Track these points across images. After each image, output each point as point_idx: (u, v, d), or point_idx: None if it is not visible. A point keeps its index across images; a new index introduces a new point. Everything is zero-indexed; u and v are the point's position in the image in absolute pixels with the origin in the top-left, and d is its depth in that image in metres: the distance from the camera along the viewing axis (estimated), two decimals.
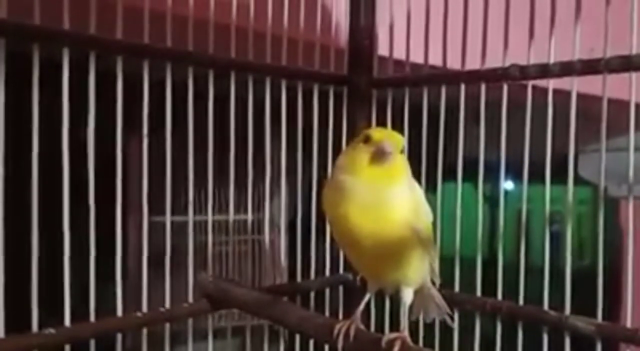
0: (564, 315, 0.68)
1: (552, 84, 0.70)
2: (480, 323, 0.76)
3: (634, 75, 0.63)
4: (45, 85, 0.60)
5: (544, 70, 0.70)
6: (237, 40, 0.76)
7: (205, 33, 0.73)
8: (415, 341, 0.61)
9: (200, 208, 0.89)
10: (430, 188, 0.73)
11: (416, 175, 0.65)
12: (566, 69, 0.68)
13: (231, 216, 0.80)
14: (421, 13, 0.83)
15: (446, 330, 0.76)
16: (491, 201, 0.84)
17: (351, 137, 0.84)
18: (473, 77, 0.76)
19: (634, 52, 0.63)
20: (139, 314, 0.68)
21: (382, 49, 0.87)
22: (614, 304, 0.69)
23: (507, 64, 0.73)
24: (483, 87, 0.75)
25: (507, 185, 0.79)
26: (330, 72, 0.87)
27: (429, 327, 0.77)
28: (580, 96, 0.68)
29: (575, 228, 0.70)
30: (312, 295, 0.85)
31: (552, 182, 0.70)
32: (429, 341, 0.76)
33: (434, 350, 0.63)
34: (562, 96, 0.69)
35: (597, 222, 0.67)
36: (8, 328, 0.58)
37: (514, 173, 0.74)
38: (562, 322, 0.67)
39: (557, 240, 0.72)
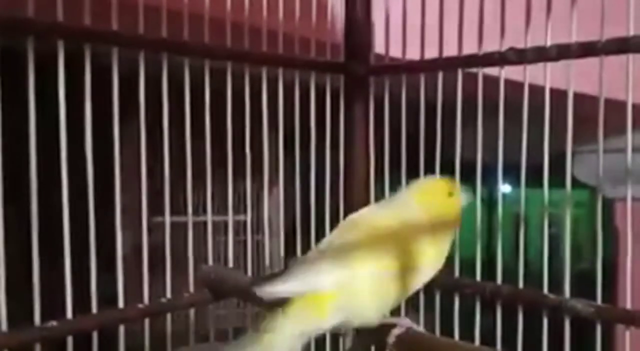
0: (563, 297, 0.68)
1: (549, 83, 0.70)
2: (480, 307, 0.76)
3: (630, 72, 0.63)
4: (41, 80, 0.59)
5: (541, 53, 0.69)
6: (233, 30, 0.75)
7: (201, 25, 0.73)
8: None
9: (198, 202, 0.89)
10: None
11: (414, 173, 0.64)
12: (563, 51, 0.68)
13: (229, 204, 0.80)
14: (417, 1, 0.82)
15: (447, 314, 0.76)
16: (489, 204, 0.84)
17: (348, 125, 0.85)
18: (470, 62, 0.76)
19: (631, 33, 0.63)
20: (140, 305, 0.68)
21: (378, 47, 0.87)
22: (610, 302, 0.69)
23: (504, 48, 0.73)
24: (480, 74, 0.75)
25: (505, 188, 0.79)
26: (326, 60, 0.86)
27: (430, 310, 0.78)
28: (576, 96, 0.68)
29: (573, 232, 0.70)
30: None
31: (549, 185, 0.70)
32: (429, 326, 0.76)
33: (435, 334, 0.63)
34: (557, 95, 0.69)
35: (595, 221, 0.67)
36: (10, 322, 0.58)
37: (511, 176, 0.74)
38: (561, 305, 0.68)
39: (554, 244, 0.72)
